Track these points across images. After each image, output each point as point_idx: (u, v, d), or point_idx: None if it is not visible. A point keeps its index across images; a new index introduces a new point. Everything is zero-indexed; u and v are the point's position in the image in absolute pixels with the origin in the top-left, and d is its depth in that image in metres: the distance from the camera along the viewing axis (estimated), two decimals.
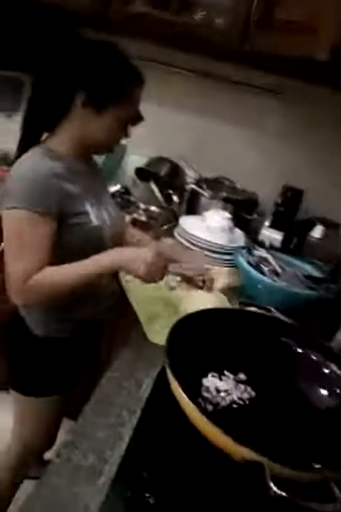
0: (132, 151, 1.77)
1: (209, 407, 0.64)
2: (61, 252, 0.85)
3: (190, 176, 1.69)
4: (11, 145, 0.94)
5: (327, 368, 0.72)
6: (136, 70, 0.88)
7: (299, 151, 1.59)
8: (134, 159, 1.75)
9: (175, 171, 1.68)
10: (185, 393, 0.55)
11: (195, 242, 1.35)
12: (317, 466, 0.57)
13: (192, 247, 1.35)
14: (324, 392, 0.70)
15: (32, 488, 0.53)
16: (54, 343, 0.96)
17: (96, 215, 0.92)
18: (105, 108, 0.85)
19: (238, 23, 1.20)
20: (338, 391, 0.68)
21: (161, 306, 1.00)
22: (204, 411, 0.63)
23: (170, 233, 1.48)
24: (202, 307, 0.99)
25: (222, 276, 1.31)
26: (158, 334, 0.90)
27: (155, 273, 0.84)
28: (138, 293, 1.03)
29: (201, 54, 1.57)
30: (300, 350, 0.76)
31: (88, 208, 0.90)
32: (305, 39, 1.06)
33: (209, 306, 1.06)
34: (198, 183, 1.63)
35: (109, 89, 0.85)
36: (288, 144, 1.60)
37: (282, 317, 1.03)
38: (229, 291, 1.24)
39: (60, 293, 0.85)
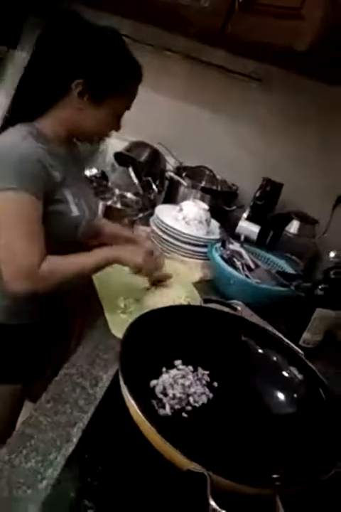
0: (113, 134, 1.71)
1: (162, 411, 0.62)
2: None
3: (170, 163, 1.65)
4: None
5: (286, 371, 0.71)
6: (136, 65, 0.87)
7: (280, 144, 1.56)
8: (114, 143, 1.70)
9: (155, 157, 1.62)
10: (134, 396, 0.53)
11: (170, 233, 1.31)
12: (275, 476, 0.56)
13: (168, 238, 1.32)
14: (282, 396, 0.68)
15: None
16: (12, 330, 0.93)
17: (76, 204, 0.88)
18: (103, 100, 0.84)
19: (222, 4, 1.15)
20: (295, 396, 0.67)
21: (128, 300, 0.97)
22: (155, 414, 0.61)
23: (145, 221, 1.45)
24: (170, 302, 0.98)
25: (196, 269, 1.30)
26: (122, 328, 0.87)
27: (151, 263, 0.95)
28: (105, 285, 1.00)
29: (185, 35, 1.51)
30: (260, 351, 0.74)
31: (68, 196, 0.86)
32: (289, 25, 1.03)
33: (178, 300, 1.05)
34: (178, 171, 1.59)
35: (110, 82, 0.83)
36: (270, 136, 1.56)
37: (250, 313, 1.02)
38: (203, 284, 1.23)
39: (65, 283, 0.85)
